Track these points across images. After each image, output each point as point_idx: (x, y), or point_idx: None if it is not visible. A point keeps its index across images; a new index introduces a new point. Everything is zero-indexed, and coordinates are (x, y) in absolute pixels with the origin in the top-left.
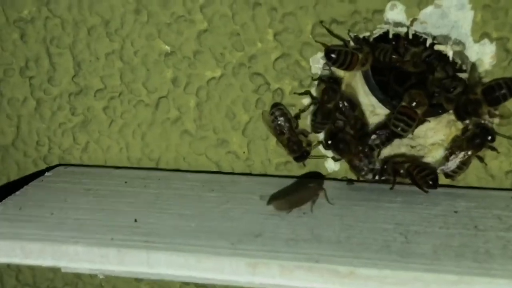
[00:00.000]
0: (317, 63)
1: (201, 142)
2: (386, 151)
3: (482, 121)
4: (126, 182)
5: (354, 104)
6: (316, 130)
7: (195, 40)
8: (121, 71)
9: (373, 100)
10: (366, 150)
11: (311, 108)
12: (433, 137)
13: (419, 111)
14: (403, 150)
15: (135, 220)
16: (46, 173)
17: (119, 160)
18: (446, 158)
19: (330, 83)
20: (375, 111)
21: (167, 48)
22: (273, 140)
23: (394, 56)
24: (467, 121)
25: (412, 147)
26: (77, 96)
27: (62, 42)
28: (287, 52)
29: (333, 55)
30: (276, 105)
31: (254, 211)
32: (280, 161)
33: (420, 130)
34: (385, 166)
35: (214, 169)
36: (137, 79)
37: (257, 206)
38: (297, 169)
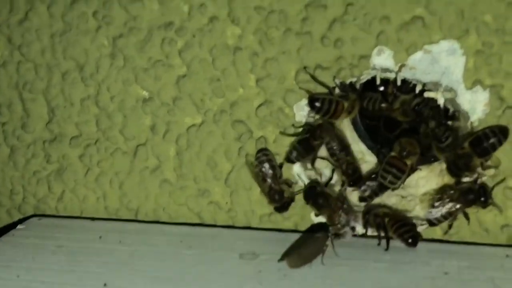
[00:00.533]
0: (301, 110)
1: (182, 192)
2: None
3: (482, 177)
4: (100, 237)
5: (346, 147)
6: (291, 160)
7: (174, 85)
8: (97, 117)
9: (362, 147)
10: (345, 206)
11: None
12: (424, 186)
13: (409, 162)
14: (393, 200)
15: (105, 285)
16: (19, 226)
17: (96, 211)
18: (432, 204)
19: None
20: (364, 158)
21: (145, 93)
22: (256, 190)
23: (383, 105)
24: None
25: (402, 197)
26: (51, 143)
27: (35, 87)
28: (270, 99)
29: (317, 104)
30: (262, 150)
31: (231, 273)
32: (264, 213)
33: (412, 179)
34: (367, 217)
35: (196, 221)
36: (114, 126)
37: (235, 267)
38: (282, 221)
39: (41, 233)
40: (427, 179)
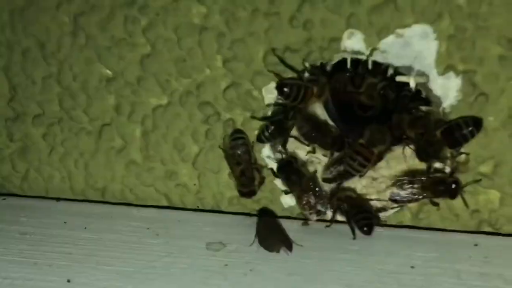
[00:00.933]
0: (270, 93)
1: (149, 174)
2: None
3: (459, 171)
4: (65, 223)
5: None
6: (262, 140)
7: (138, 65)
8: (60, 96)
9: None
10: (317, 189)
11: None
12: (396, 167)
13: (376, 150)
14: (364, 182)
15: (68, 281)
16: None
17: (62, 190)
18: (401, 185)
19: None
20: None
21: (108, 73)
22: (225, 173)
23: (349, 88)
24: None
25: (373, 179)
26: (14, 122)
27: None
28: (238, 81)
29: (285, 89)
30: (238, 132)
31: (197, 266)
32: (234, 195)
33: (383, 160)
34: (332, 200)
35: (164, 202)
36: (77, 105)
37: (201, 259)
38: (251, 204)
39: (5, 216)
40: (398, 160)
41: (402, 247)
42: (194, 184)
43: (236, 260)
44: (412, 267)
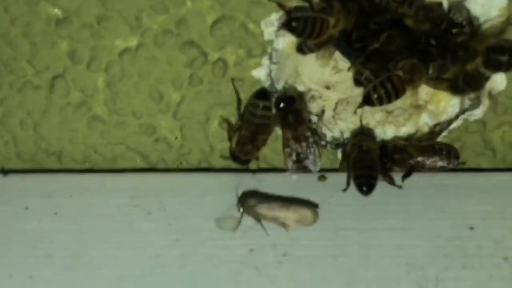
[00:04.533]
0: (270, 26)
1: (118, 130)
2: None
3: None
4: (27, 209)
5: None
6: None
7: (97, 1)
8: None
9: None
10: (311, 140)
11: None
12: (413, 96)
13: (408, 87)
14: (378, 117)
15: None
16: None
17: (6, 158)
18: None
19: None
20: (337, 66)
21: (58, 13)
22: (215, 121)
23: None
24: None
25: (389, 112)
26: None
27: None
28: (229, 14)
29: (296, 25)
30: (266, 98)
31: (217, 257)
32: (226, 146)
33: None
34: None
35: (139, 163)
36: (18, 55)
37: (218, 246)
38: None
39: None
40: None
41: (447, 200)
42: (176, 138)
43: (262, 242)
44: (471, 227)
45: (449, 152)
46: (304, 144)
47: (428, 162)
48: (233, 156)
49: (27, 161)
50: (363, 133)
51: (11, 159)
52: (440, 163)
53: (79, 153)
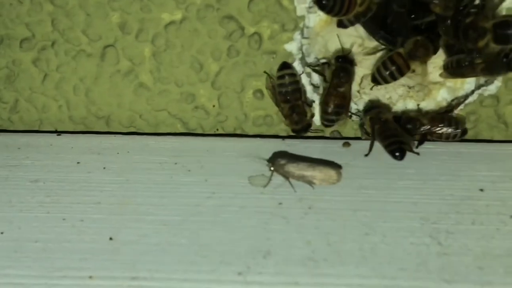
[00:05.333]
0: (303, 3)
1: (161, 97)
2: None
3: None
4: (78, 163)
5: None
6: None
7: None
8: (53, 16)
9: (361, 31)
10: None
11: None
12: (432, 73)
13: (413, 66)
14: (400, 91)
15: (110, 238)
16: None
17: (60, 121)
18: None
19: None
20: (363, 43)
21: None
22: (249, 91)
23: None
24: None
25: (409, 87)
26: None
27: None
28: None
29: (326, 2)
30: (286, 67)
31: (248, 207)
32: (258, 115)
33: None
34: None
35: (179, 128)
36: (74, 25)
37: (250, 199)
38: (278, 123)
39: (2, 158)
40: (435, 64)
41: (460, 166)
42: (213, 106)
43: (289, 197)
44: (482, 189)
45: (455, 122)
46: (341, 101)
47: (437, 130)
48: (293, 131)
49: (78, 124)
50: (377, 106)
51: (64, 122)
52: (446, 131)
53: (125, 118)
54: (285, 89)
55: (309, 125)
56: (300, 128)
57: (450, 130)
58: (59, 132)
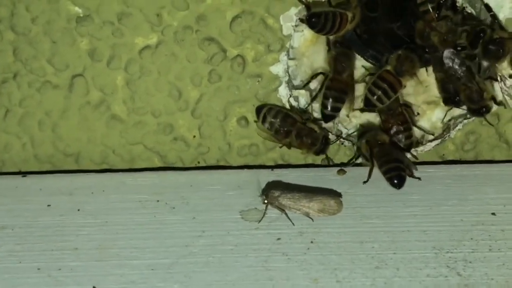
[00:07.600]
0: (289, 21)
1: (136, 129)
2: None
3: None
4: (49, 206)
5: None
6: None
7: None
8: (14, 45)
9: None
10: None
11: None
12: (426, 92)
13: (404, 81)
14: None
15: None
16: None
17: (24, 160)
18: None
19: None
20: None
21: (78, 10)
22: (233, 119)
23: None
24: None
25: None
26: None
27: None
28: (249, 9)
29: (317, 20)
30: (262, 107)
31: (244, 245)
32: (243, 144)
33: (409, 85)
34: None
35: (156, 162)
36: (38, 54)
37: (244, 236)
38: (265, 152)
39: None
40: (427, 83)
41: (466, 189)
42: (194, 136)
43: (288, 231)
44: (493, 213)
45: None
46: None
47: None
48: (316, 153)
49: (45, 163)
50: (372, 129)
51: (29, 161)
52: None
53: (97, 154)
54: (276, 126)
55: (326, 138)
56: (320, 147)
57: None
58: (24, 173)
